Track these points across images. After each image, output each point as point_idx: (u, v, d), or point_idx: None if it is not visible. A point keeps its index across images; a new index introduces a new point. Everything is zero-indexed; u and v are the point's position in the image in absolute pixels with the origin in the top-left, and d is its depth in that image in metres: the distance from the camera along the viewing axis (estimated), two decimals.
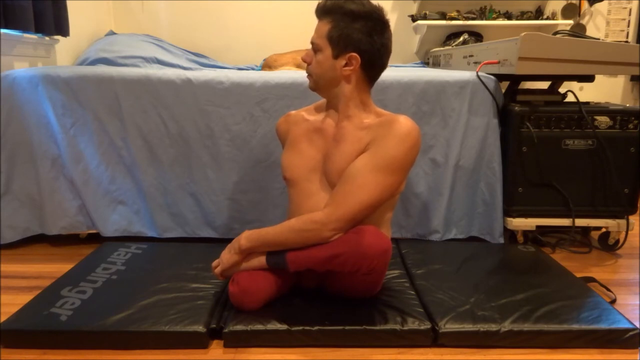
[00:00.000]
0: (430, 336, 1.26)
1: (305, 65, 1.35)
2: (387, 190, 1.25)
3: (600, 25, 3.16)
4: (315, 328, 1.25)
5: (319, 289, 1.42)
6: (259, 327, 1.25)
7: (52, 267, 1.72)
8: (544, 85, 2.09)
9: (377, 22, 1.26)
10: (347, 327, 1.25)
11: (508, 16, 2.99)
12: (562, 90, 2.01)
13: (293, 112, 1.50)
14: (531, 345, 1.26)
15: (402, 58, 3.17)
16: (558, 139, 1.87)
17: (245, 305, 1.31)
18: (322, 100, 1.43)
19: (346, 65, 1.28)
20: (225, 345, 1.26)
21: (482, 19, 2.95)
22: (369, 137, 1.28)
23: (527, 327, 1.27)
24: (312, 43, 1.31)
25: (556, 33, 1.93)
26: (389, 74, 1.90)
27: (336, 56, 1.27)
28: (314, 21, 1.32)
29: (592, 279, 1.61)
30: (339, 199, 1.24)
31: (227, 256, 1.35)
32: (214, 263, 1.39)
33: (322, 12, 1.29)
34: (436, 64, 2.79)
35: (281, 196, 1.90)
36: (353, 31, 1.24)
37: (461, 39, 2.87)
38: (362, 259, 1.19)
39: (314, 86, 1.36)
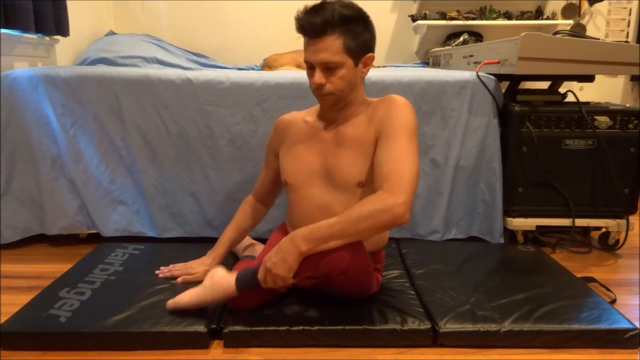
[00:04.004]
0: (430, 336, 1.26)
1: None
2: (417, 154, 1.20)
3: (600, 25, 3.16)
4: (315, 328, 1.25)
5: (315, 289, 1.42)
6: (259, 327, 1.25)
7: (52, 267, 1.72)
8: (544, 85, 2.09)
9: (368, 17, 1.27)
10: (347, 327, 1.25)
11: (508, 16, 2.99)
12: (562, 90, 2.01)
13: (289, 114, 1.48)
14: (531, 345, 1.26)
15: (402, 58, 3.17)
16: (558, 139, 1.87)
17: (241, 305, 1.31)
18: (315, 107, 1.42)
19: (364, 66, 1.29)
20: (226, 345, 1.26)
21: (482, 19, 2.95)
22: (372, 126, 1.27)
23: (527, 327, 1.27)
24: (325, 63, 1.22)
25: (556, 33, 1.93)
26: (389, 73, 1.90)
27: (357, 64, 1.26)
28: None
29: (592, 279, 1.61)
30: (392, 174, 1.14)
31: (280, 267, 1.12)
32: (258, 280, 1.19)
33: (324, 29, 1.19)
34: (436, 64, 2.79)
35: (281, 197, 1.90)
36: (364, 34, 1.24)
37: (461, 39, 2.87)
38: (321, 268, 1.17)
39: (336, 101, 1.29)
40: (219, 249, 1.54)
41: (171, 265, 1.56)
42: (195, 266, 1.53)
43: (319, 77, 1.23)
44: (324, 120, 1.37)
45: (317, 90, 1.26)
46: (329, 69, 1.23)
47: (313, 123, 1.39)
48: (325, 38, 1.20)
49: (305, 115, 1.43)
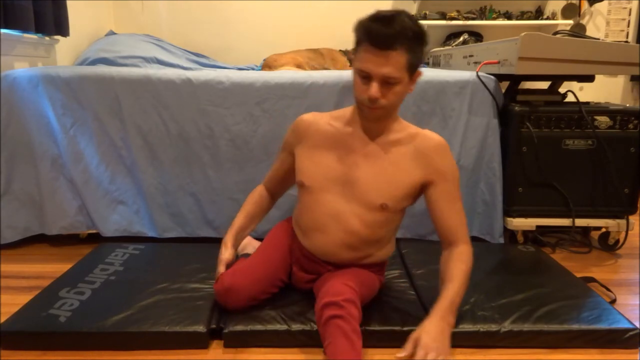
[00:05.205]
0: None
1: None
2: None
3: (600, 25, 3.16)
4: (315, 328, 1.25)
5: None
6: (259, 327, 1.25)
7: (52, 267, 1.72)
8: (544, 85, 2.09)
9: (426, 33, 1.20)
10: None
11: (508, 16, 2.99)
12: (562, 90, 2.01)
13: (311, 114, 1.39)
14: (531, 345, 1.27)
15: None
16: (558, 139, 1.87)
17: (230, 303, 1.31)
18: (342, 110, 1.36)
19: (412, 83, 1.24)
20: (225, 345, 1.26)
21: (482, 19, 2.95)
22: (420, 166, 1.27)
23: (527, 327, 1.27)
24: (388, 78, 1.14)
25: (556, 33, 1.93)
26: None
27: (410, 80, 1.21)
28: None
29: (592, 279, 1.61)
30: (460, 229, 1.30)
31: (448, 347, 1.14)
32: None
33: (394, 43, 1.11)
34: (436, 64, 2.79)
35: (282, 196, 1.90)
36: (421, 51, 1.18)
37: (461, 39, 2.88)
38: None
39: (384, 115, 1.23)
40: (233, 230, 1.47)
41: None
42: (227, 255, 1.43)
43: (376, 90, 1.15)
44: (354, 128, 1.30)
45: (371, 103, 1.17)
46: (388, 83, 1.15)
47: (340, 129, 1.31)
48: (394, 52, 1.12)
49: (330, 119, 1.34)
